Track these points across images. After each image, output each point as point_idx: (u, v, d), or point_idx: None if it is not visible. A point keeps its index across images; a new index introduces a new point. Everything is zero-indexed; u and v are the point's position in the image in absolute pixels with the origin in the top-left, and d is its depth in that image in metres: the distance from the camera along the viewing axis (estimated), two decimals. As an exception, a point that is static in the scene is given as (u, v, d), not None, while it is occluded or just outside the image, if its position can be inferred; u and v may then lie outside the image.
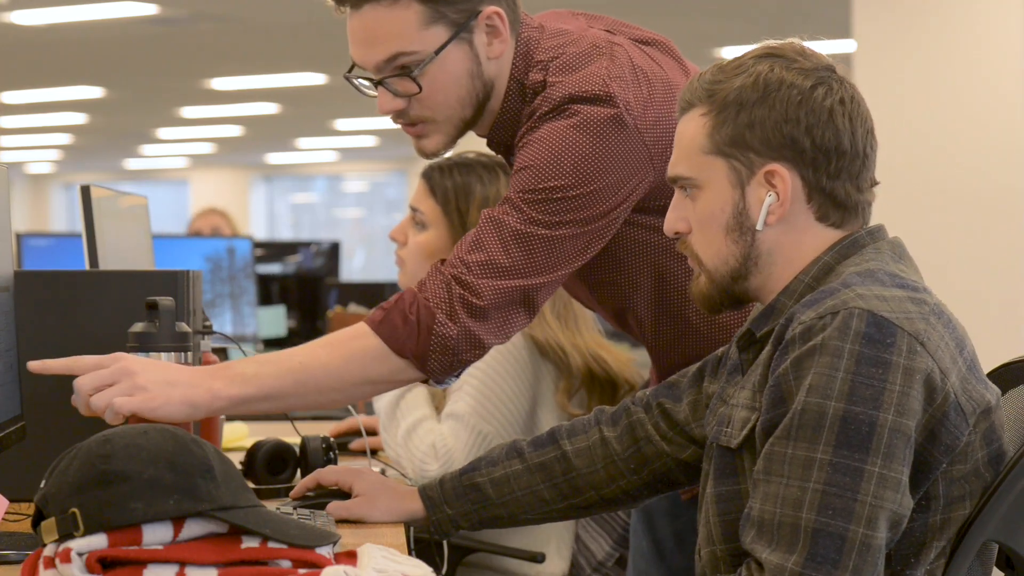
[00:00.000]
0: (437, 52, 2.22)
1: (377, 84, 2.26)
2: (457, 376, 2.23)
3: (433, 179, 2.99)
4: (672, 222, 2.00)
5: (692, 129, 1.96)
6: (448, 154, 2.72)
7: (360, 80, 2.30)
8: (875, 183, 1.98)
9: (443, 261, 2.20)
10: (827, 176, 1.93)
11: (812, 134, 1.91)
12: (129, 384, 2.03)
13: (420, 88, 2.23)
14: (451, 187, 2.97)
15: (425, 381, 2.21)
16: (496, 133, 2.33)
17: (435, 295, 2.16)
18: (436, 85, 2.24)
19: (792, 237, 1.95)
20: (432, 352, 2.14)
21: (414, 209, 3.01)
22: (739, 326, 2.31)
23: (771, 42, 1.98)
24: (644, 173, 2.23)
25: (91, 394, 2.04)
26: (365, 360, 2.15)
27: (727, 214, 1.95)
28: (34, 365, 2.07)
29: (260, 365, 2.12)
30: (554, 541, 2.97)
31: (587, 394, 2.96)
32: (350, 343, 2.15)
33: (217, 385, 2.07)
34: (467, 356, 2.18)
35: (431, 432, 2.86)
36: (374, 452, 2.95)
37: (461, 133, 2.32)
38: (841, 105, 1.92)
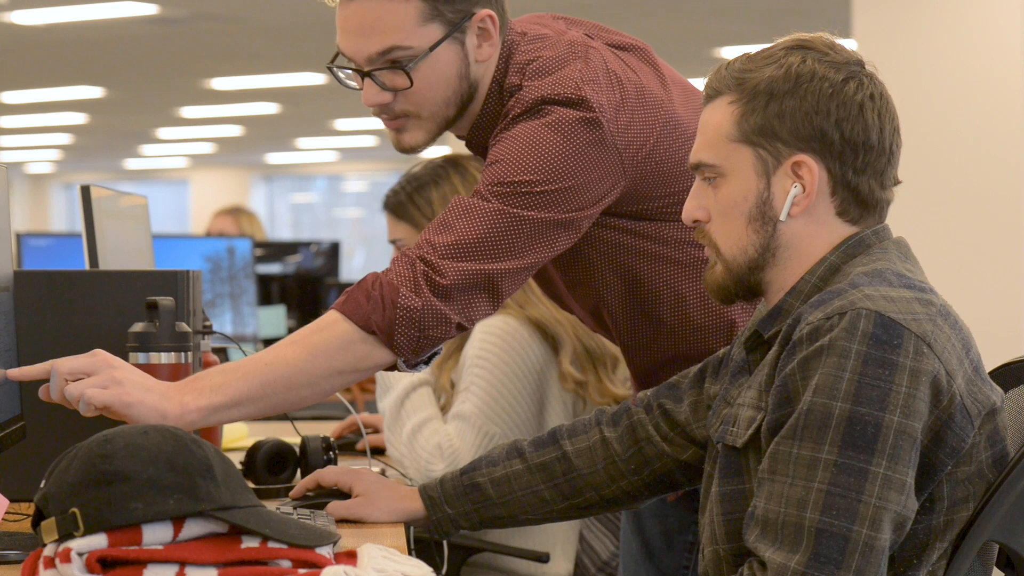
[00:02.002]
0: (431, 49, 2.23)
1: (364, 76, 2.26)
2: (427, 363, 2.23)
3: (393, 207, 3.07)
4: (691, 210, 2.00)
5: (719, 116, 1.96)
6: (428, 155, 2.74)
7: (345, 71, 2.31)
8: (897, 182, 1.97)
9: (414, 245, 2.21)
10: (853, 171, 1.93)
11: (842, 127, 1.91)
12: (107, 377, 2.03)
13: (411, 83, 2.24)
14: (409, 201, 3.02)
15: (392, 367, 2.19)
16: (475, 134, 2.34)
17: (399, 274, 2.16)
18: (426, 82, 2.25)
19: (811, 230, 1.95)
20: (398, 326, 2.14)
21: (395, 242, 3.05)
22: (713, 328, 2.33)
23: (801, 34, 1.97)
24: (615, 178, 2.23)
25: (68, 380, 2.03)
26: (332, 349, 2.14)
27: (751, 203, 1.95)
28: (13, 373, 2.06)
29: (226, 374, 2.11)
30: (559, 541, 2.98)
31: (582, 369, 2.96)
32: (313, 336, 2.15)
33: (187, 399, 2.06)
34: (434, 332, 2.16)
35: (437, 432, 2.86)
36: (374, 452, 2.95)
37: (441, 131, 2.34)
38: (871, 101, 1.92)
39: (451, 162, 3.05)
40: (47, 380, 2.05)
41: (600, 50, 2.29)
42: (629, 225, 2.31)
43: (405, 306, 2.13)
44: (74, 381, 2.03)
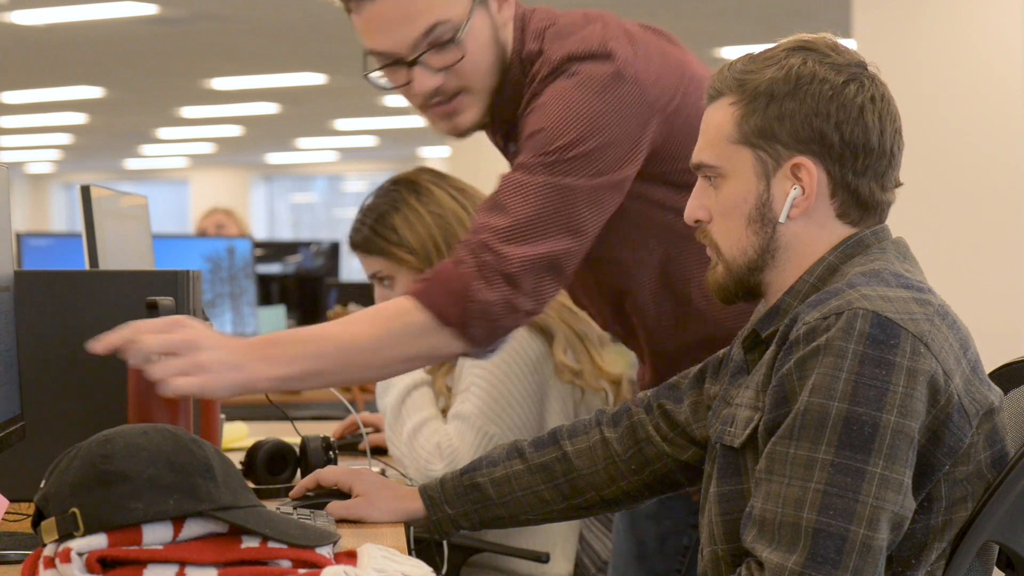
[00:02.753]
0: (468, 17, 2.27)
1: (411, 65, 2.27)
2: (494, 350, 2.27)
3: (360, 245, 3.01)
4: (693, 210, 2.00)
5: (720, 117, 1.96)
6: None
7: (382, 75, 2.32)
8: (899, 184, 1.97)
9: (472, 230, 2.24)
10: (853, 173, 1.93)
11: (841, 130, 1.91)
12: (192, 362, 2.06)
13: (463, 54, 2.26)
14: (374, 235, 2.98)
15: (465, 354, 2.25)
16: (498, 110, 2.36)
17: (471, 265, 2.20)
18: (472, 52, 2.29)
19: (811, 232, 1.95)
20: (473, 319, 2.18)
21: (373, 276, 3.01)
22: (740, 310, 2.33)
23: (804, 35, 1.97)
24: (650, 129, 2.26)
25: (154, 358, 2.06)
26: (407, 337, 2.18)
27: (750, 204, 1.95)
28: (96, 347, 2.06)
29: (302, 345, 2.15)
30: (559, 541, 2.97)
31: (576, 357, 2.96)
32: (392, 321, 2.19)
33: (260, 368, 2.11)
34: (505, 322, 2.20)
35: (436, 432, 2.85)
36: (375, 451, 2.95)
37: (490, 104, 2.35)
38: (872, 103, 1.92)
39: (401, 183, 3.02)
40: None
41: (614, 17, 2.33)
42: (666, 199, 2.32)
43: (480, 300, 2.17)
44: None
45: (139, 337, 2.04)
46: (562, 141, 2.21)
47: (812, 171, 1.92)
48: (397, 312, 2.19)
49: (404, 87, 2.32)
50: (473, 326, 2.18)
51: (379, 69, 2.33)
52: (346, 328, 2.18)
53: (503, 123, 2.37)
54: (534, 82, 2.27)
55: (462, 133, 2.37)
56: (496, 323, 2.19)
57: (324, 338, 2.17)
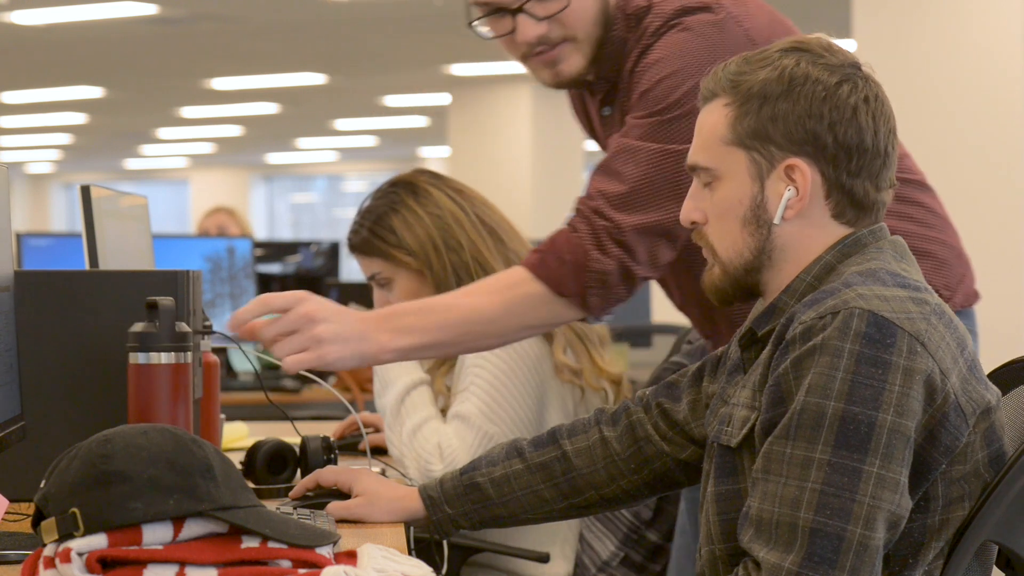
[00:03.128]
0: None
1: (515, 13, 2.32)
2: (611, 314, 2.34)
3: (358, 247, 2.99)
4: (688, 212, 2.00)
5: (714, 119, 1.96)
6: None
7: (485, 25, 2.37)
8: (893, 184, 1.97)
9: (586, 195, 2.29)
10: (847, 174, 1.93)
11: (835, 130, 1.91)
12: (308, 336, 2.15)
13: (567, 3, 2.31)
14: (372, 236, 2.96)
15: (583, 320, 2.32)
16: (601, 66, 2.39)
17: (585, 233, 2.25)
18: (576, 0, 2.32)
19: (807, 233, 1.95)
20: (590, 288, 2.25)
21: (372, 278, 3.00)
22: None
23: (798, 36, 1.98)
24: None
25: (273, 342, 2.17)
26: (526, 307, 2.26)
27: (745, 206, 1.95)
28: (231, 325, 2.19)
29: (424, 316, 2.23)
30: (559, 541, 2.97)
31: (575, 355, 2.96)
32: (510, 291, 2.26)
33: (384, 338, 2.20)
34: (619, 290, 2.28)
35: (436, 432, 2.85)
36: (375, 451, 2.95)
37: (594, 55, 2.38)
38: (865, 103, 1.92)
39: (399, 184, 3.01)
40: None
41: None
42: None
43: (597, 269, 2.25)
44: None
45: (265, 310, 2.17)
46: (674, 96, 2.27)
47: (806, 172, 1.92)
48: (514, 282, 2.26)
49: (507, 36, 2.35)
50: (590, 295, 2.26)
51: (481, 18, 2.35)
52: (465, 299, 2.26)
53: (605, 81, 2.39)
54: (644, 36, 2.31)
55: (564, 82, 2.41)
56: (612, 290, 2.27)
57: (448, 308, 2.25)
